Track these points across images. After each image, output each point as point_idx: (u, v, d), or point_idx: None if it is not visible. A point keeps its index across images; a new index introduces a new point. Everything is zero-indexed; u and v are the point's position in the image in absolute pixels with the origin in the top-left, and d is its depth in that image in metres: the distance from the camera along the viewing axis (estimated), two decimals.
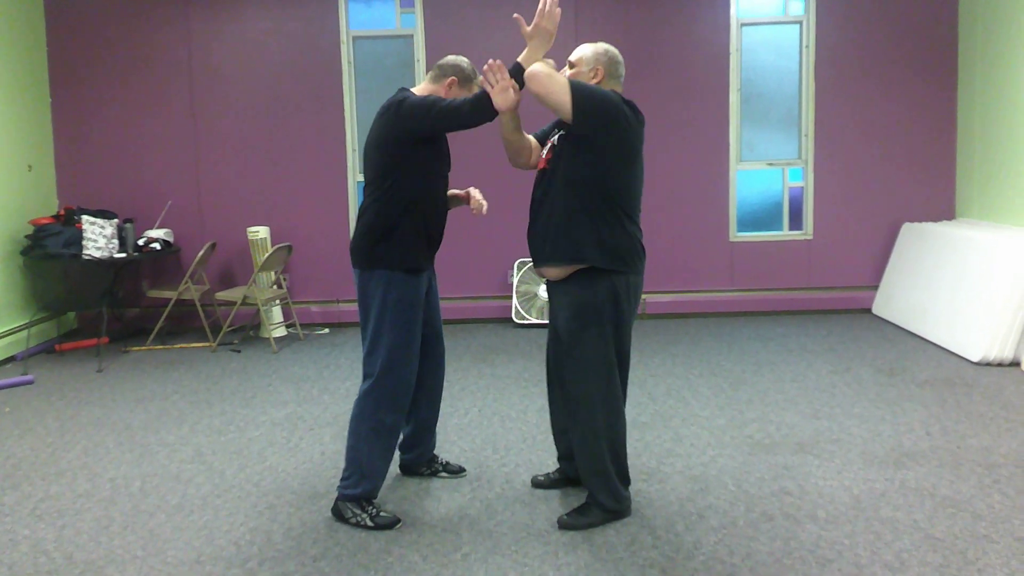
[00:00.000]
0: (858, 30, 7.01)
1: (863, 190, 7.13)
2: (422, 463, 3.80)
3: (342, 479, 3.40)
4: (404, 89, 3.37)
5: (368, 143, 3.34)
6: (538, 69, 3.05)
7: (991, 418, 4.42)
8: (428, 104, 3.19)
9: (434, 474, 3.81)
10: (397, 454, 3.77)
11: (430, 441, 3.80)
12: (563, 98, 3.02)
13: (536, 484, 3.69)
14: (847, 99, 7.06)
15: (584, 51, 3.25)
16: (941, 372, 5.30)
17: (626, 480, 3.37)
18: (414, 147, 3.25)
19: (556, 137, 3.30)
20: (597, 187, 3.13)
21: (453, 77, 3.36)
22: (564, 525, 3.28)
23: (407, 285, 3.30)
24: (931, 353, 5.77)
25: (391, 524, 3.33)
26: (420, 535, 3.25)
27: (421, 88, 3.41)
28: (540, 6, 3.07)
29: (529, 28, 3.09)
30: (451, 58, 3.41)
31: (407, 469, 3.82)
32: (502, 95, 3.10)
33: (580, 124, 3.06)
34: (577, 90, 3.04)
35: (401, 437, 3.71)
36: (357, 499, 3.37)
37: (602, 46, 3.26)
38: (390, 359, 3.29)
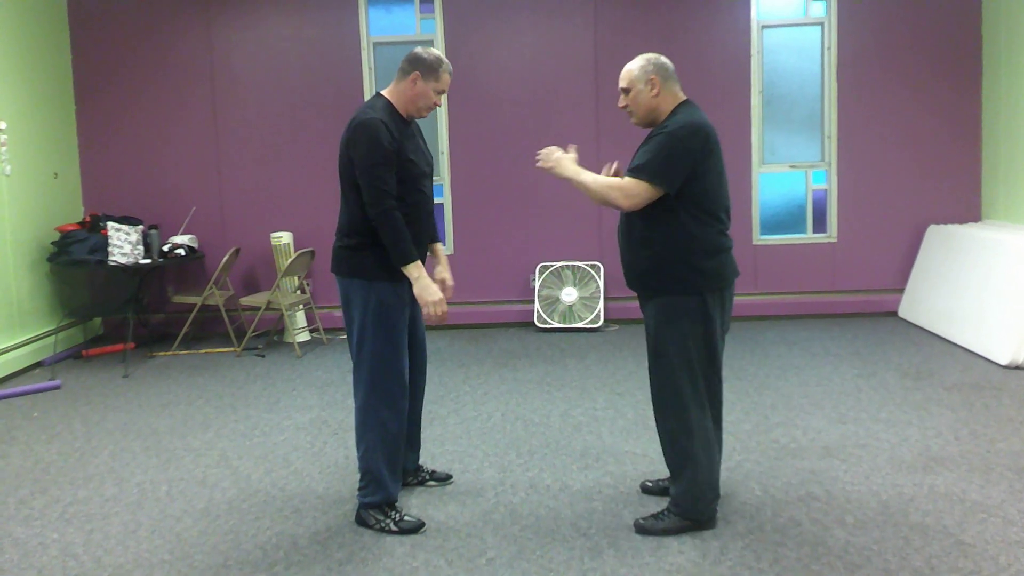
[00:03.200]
0: (880, 31, 6.95)
1: (887, 192, 7.07)
2: (408, 473, 3.75)
3: (359, 488, 3.40)
4: (377, 97, 3.33)
5: (340, 153, 3.31)
6: (613, 195, 3.08)
7: (1021, 422, 4.36)
8: (368, 165, 3.15)
9: (421, 483, 3.78)
10: None
11: (414, 452, 3.75)
12: (650, 193, 3.05)
13: (645, 490, 3.64)
14: (870, 101, 7.01)
15: (631, 73, 3.20)
16: (969, 376, 5.24)
17: (714, 490, 3.26)
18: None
19: (629, 171, 3.19)
20: (672, 198, 3.08)
21: (416, 72, 3.27)
22: (639, 529, 3.25)
23: (387, 291, 3.28)
24: (958, 356, 5.71)
25: (416, 528, 3.33)
26: (445, 540, 3.25)
27: (390, 89, 3.35)
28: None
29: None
30: (416, 51, 3.32)
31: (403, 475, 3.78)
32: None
33: (672, 188, 3.07)
34: (654, 176, 3.04)
35: None
36: (378, 506, 3.37)
37: (643, 57, 3.22)
38: (376, 363, 3.28)
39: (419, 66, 3.29)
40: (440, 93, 3.35)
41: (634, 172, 3.09)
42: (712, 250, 3.14)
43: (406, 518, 3.36)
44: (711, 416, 3.25)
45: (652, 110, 3.21)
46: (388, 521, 3.34)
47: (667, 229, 3.11)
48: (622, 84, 3.24)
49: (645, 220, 3.14)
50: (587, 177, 3.18)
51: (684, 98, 3.24)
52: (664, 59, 3.24)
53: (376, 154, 3.16)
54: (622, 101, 3.27)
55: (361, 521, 3.39)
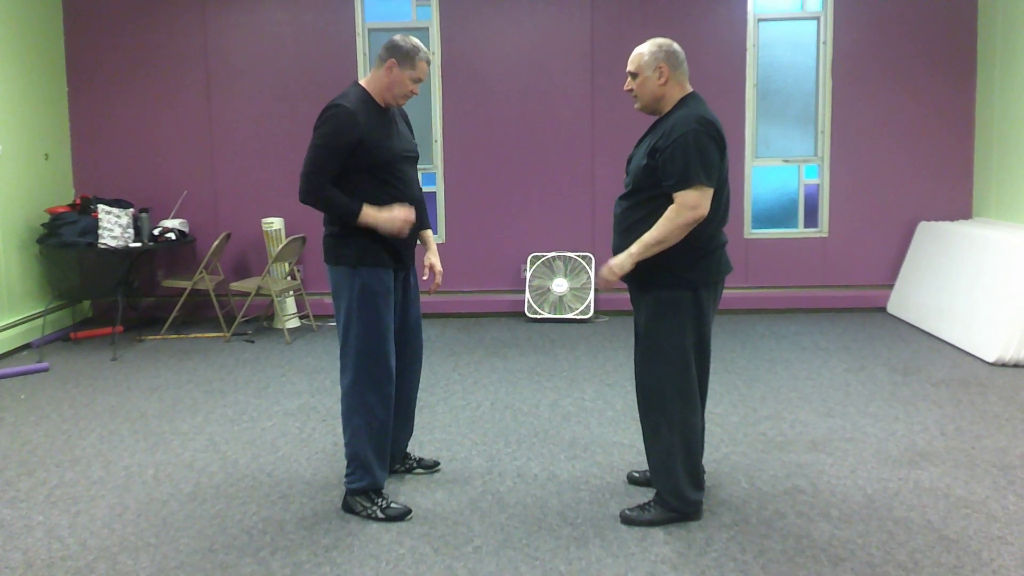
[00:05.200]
0: (876, 26, 6.95)
1: (879, 188, 7.09)
2: (395, 460, 3.74)
3: (346, 474, 3.40)
4: (353, 85, 3.33)
5: None
6: (683, 219, 3.01)
7: (1006, 419, 4.39)
8: (315, 145, 3.20)
9: (408, 471, 3.78)
10: None
11: (403, 439, 3.75)
12: (707, 194, 3.02)
13: (632, 481, 3.65)
14: (864, 96, 7.01)
15: (640, 57, 3.16)
16: (956, 372, 5.27)
17: (698, 481, 3.27)
18: (350, 154, 3.22)
19: (666, 185, 3.10)
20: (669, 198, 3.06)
21: (392, 59, 3.26)
22: (625, 519, 3.26)
23: (371, 276, 3.29)
24: (946, 353, 5.73)
25: (402, 515, 3.33)
26: (432, 527, 3.26)
27: (368, 77, 3.35)
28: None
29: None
30: (394, 38, 3.31)
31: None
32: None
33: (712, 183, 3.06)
34: (701, 175, 3.00)
35: None
36: (365, 492, 3.37)
37: (655, 43, 3.17)
38: (362, 349, 3.29)
39: (395, 54, 3.27)
40: (417, 81, 3.32)
41: (680, 184, 3.00)
42: (709, 245, 3.13)
43: (392, 505, 3.36)
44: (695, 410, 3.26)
45: (658, 99, 3.18)
46: (375, 508, 3.34)
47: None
48: (630, 68, 3.20)
49: (642, 214, 3.12)
50: (648, 236, 3.06)
51: (691, 90, 3.21)
52: (676, 46, 3.19)
53: (327, 138, 3.18)
54: (628, 84, 3.23)
55: (348, 507, 3.39)
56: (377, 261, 3.30)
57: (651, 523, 3.23)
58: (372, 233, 3.26)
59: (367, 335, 3.30)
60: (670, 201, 3.05)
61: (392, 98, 3.32)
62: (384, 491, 3.42)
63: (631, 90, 3.23)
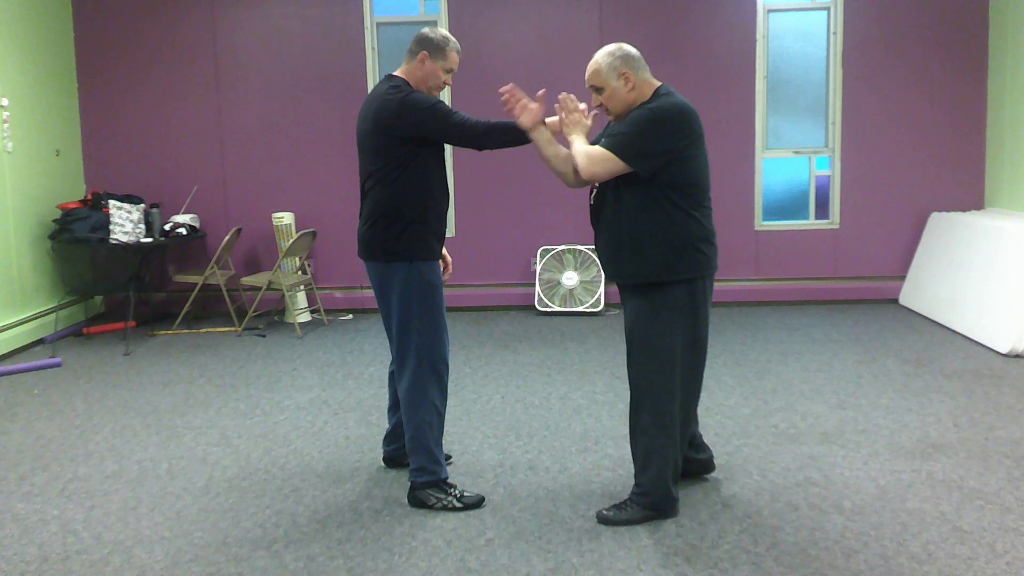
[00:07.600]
0: (886, 17, 6.91)
1: (891, 179, 7.05)
2: (404, 454, 3.70)
3: (414, 469, 3.38)
4: (393, 76, 3.34)
5: (365, 132, 3.32)
6: (578, 160, 3.11)
7: (1020, 410, 4.36)
8: (445, 124, 3.22)
9: None
10: (380, 447, 3.85)
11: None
12: (615, 166, 3.03)
13: None
14: (875, 87, 6.97)
15: (599, 71, 3.09)
16: (969, 363, 5.24)
17: (676, 477, 3.23)
18: (422, 142, 3.26)
19: (603, 141, 3.15)
20: (655, 184, 3.05)
21: (423, 52, 3.29)
22: (602, 520, 3.22)
23: (428, 269, 3.32)
24: (959, 344, 5.71)
25: (478, 503, 3.36)
26: (444, 520, 3.26)
27: (402, 71, 3.36)
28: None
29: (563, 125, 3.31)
30: (423, 31, 3.35)
31: (391, 461, 3.78)
32: (568, 127, 3.29)
33: (646, 170, 3.04)
34: (625, 150, 3.01)
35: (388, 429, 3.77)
36: (436, 484, 3.37)
37: (607, 52, 3.11)
38: (423, 341, 3.31)
39: (426, 46, 3.30)
40: (449, 72, 3.37)
41: (605, 142, 3.06)
42: (700, 236, 3.12)
43: (466, 494, 3.37)
44: (685, 408, 3.22)
45: (630, 105, 3.12)
46: (450, 498, 3.35)
47: (655, 215, 3.06)
48: (593, 83, 3.12)
49: (631, 207, 3.09)
50: (578, 144, 3.19)
51: (658, 84, 3.15)
52: (628, 47, 3.12)
53: (445, 111, 3.24)
54: (595, 100, 3.17)
55: (418, 502, 3.37)
56: (431, 253, 3.33)
57: (628, 522, 3.18)
58: (424, 224, 3.29)
59: (427, 330, 3.32)
60: (658, 186, 3.04)
61: (427, 90, 3.35)
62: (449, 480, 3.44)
63: (599, 105, 3.18)
